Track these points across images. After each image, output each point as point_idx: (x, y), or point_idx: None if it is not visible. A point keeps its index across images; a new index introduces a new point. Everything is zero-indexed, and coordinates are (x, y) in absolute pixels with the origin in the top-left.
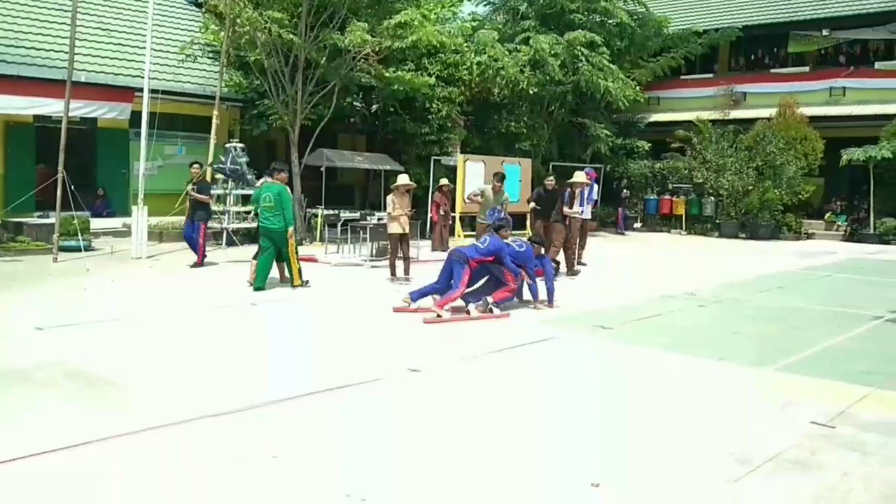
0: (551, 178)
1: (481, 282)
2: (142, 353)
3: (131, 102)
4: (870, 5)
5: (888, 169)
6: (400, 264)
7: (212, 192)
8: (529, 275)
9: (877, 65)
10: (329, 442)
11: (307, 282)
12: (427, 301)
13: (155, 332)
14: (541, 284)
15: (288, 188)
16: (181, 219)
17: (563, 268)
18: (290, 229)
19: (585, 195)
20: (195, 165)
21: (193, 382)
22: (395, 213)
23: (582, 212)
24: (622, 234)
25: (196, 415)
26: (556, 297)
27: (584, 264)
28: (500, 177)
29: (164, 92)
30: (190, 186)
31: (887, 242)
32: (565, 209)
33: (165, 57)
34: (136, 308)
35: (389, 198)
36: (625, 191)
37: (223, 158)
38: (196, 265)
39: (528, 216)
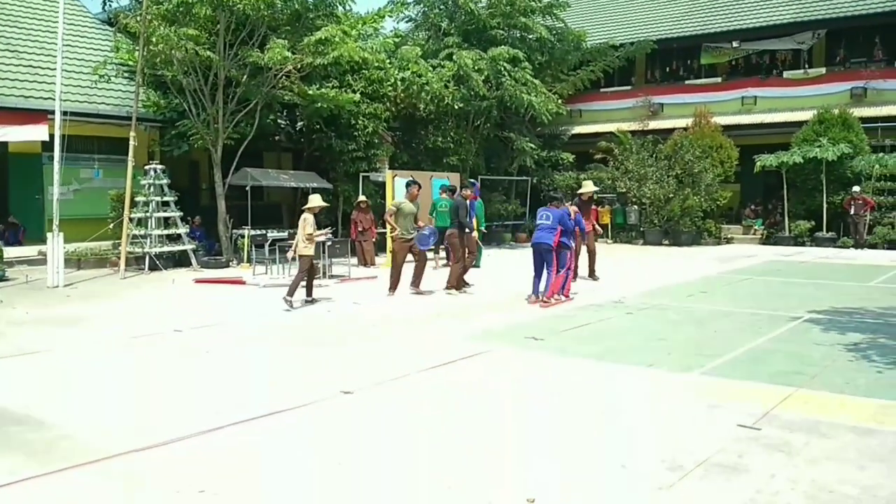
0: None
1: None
2: (61, 387)
3: (45, 125)
4: (776, 17)
5: (799, 173)
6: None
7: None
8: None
9: (785, 74)
10: (258, 471)
11: None
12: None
13: (74, 365)
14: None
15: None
16: (99, 244)
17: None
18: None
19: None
20: None
21: (120, 416)
22: (317, 235)
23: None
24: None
25: (123, 449)
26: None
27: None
28: (412, 182)
29: (77, 114)
30: None
31: (802, 244)
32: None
33: (78, 78)
34: (51, 340)
35: (310, 218)
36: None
37: (143, 181)
38: None
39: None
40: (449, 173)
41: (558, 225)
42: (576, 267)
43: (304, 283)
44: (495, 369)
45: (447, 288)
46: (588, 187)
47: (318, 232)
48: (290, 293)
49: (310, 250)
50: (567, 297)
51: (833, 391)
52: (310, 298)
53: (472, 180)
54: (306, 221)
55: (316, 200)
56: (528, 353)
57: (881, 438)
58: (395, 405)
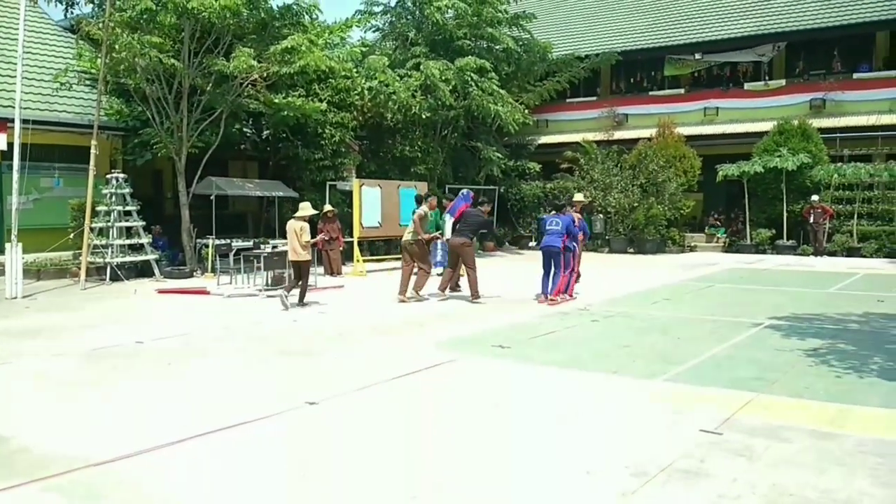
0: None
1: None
2: (18, 400)
3: (4, 133)
4: (738, 30)
5: (760, 183)
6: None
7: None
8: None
9: (746, 86)
10: (223, 484)
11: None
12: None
13: (32, 377)
14: None
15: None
16: (60, 255)
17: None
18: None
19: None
20: None
21: (78, 429)
22: (313, 241)
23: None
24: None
25: (82, 463)
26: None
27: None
28: (432, 195)
29: (38, 122)
30: None
31: (763, 252)
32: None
33: (39, 86)
34: (8, 352)
35: (306, 226)
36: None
37: (105, 190)
38: None
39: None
40: (417, 182)
41: (566, 231)
42: (578, 269)
43: (283, 289)
44: (459, 379)
45: (473, 299)
46: (579, 197)
47: (315, 238)
48: (301, 299)
49: (308, 256)
50: (571, 296)
51: (793, 396)
52: (304, 302)
53: (465, 190)
54: (303, 230)
55: (307, 209)
56: (493, 362)
57: (840, 442)
58: (359, 417)
